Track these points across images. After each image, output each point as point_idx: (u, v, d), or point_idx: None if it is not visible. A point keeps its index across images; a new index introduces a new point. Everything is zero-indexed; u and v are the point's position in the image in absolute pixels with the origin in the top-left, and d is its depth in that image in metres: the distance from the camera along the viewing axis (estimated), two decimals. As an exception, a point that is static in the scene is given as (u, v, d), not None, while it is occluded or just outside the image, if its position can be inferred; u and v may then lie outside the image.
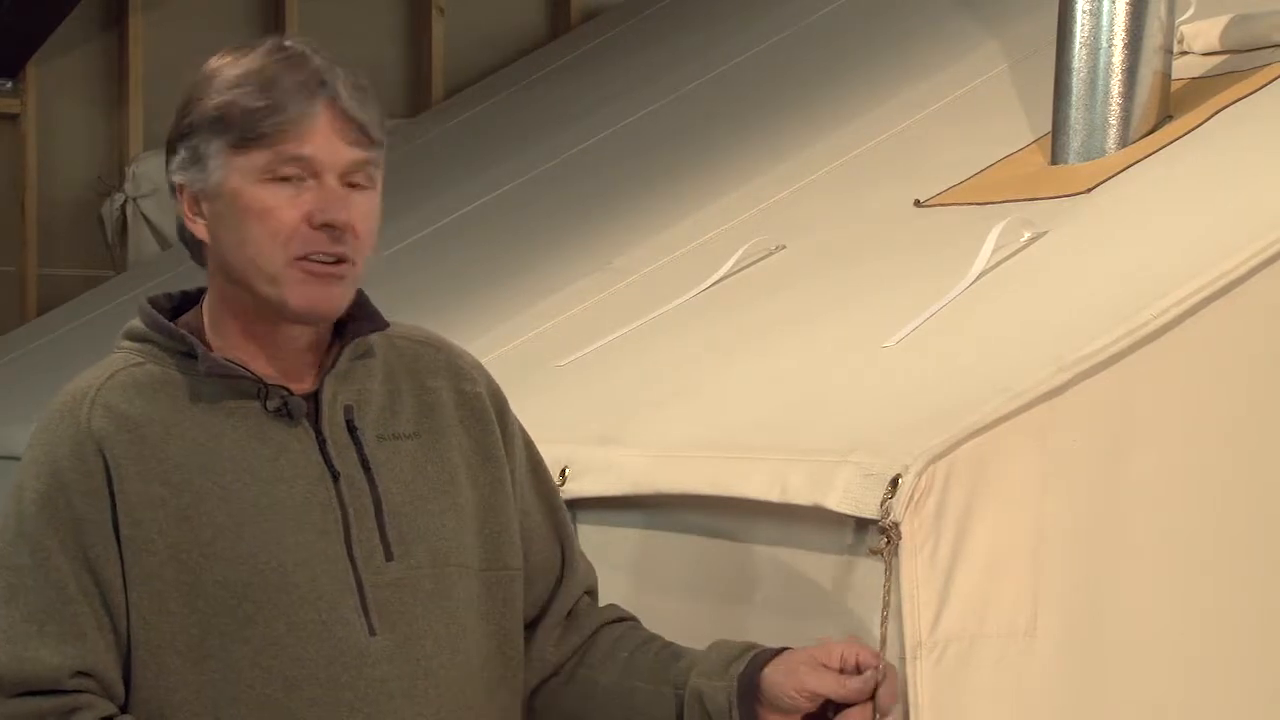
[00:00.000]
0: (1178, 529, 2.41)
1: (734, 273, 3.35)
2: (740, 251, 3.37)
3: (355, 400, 2.19)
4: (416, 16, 7.16)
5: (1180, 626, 2.41)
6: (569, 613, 2.33)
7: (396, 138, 6.33)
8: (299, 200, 2.11)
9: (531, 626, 2.30)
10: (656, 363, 3.12)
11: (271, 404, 2.14)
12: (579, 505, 2.73)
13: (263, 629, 2.08)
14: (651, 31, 6.18)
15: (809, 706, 2.16)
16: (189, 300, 2.23)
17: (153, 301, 2.22)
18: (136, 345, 2.19)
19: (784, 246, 3.39)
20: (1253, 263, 2.48)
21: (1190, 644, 2.41)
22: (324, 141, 2.11)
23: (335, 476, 2.14)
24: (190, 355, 2.15)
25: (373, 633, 2.12)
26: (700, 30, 5.69)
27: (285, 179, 2.10)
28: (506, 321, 3.72)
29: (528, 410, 3.14)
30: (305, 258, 2.11)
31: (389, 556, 2.14)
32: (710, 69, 5.11)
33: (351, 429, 2.17)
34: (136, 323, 2.20)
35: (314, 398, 2.17)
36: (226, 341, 2.17)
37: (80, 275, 6.75)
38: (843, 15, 4.96)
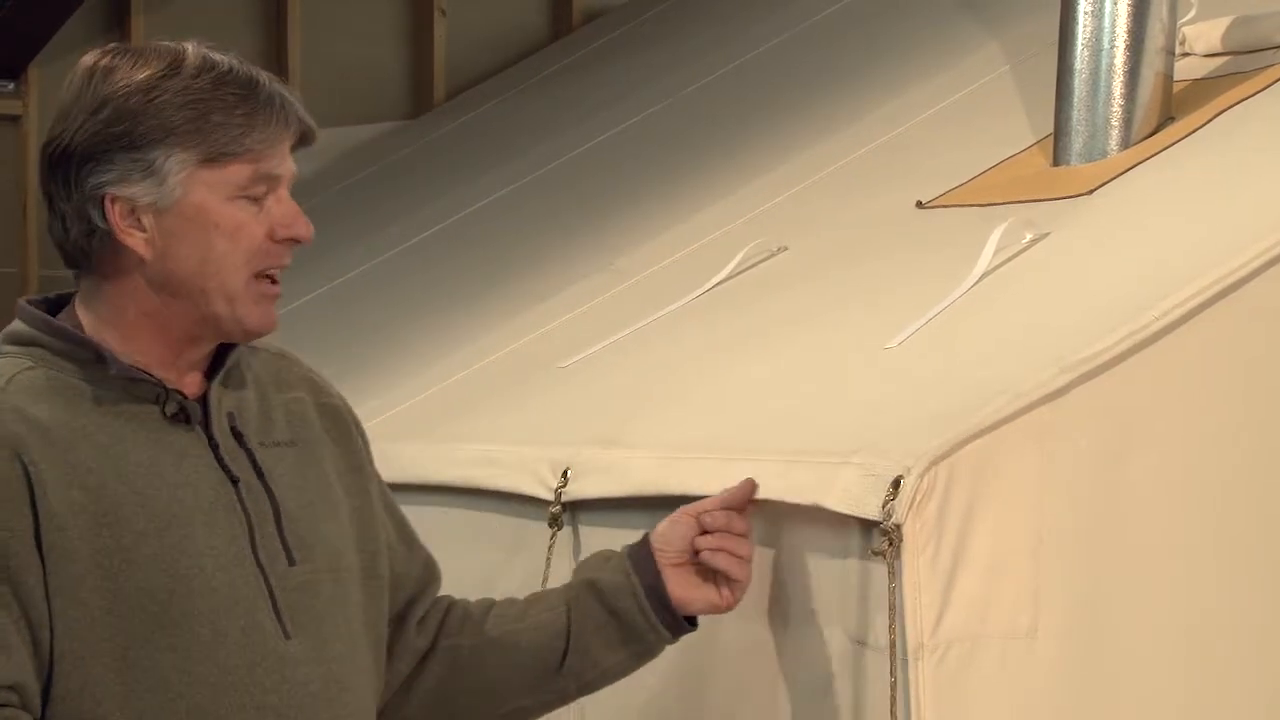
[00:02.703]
0: (1179, 530, 2.41)
1: (736, 274, 3.35)
2: (742, 253, 3.37)
3: (235, 407, 2.18)
4: (418, 17, 7.15)
5: (1181, 627, 2.41)
6: (428, 610, 2.37)
7: (398, 140, 6.33)
8: (261, 216, 2.11)
9: (396, 622, 2.32)
10: (658, 364, 3.12)
11: (170, 408, 2.12)
12: (581, 506, 2.73)
13: (187, 635, 2.06)
14: (653, 33, 6.18)
15: (696, 528, 2.32)
16: (54, 304, 2.19)
17: (34, 304, 2.17)
18: (23, 349, 2.13)
19: (786, 248, 3.39)
20: (1255, 264, 2.48)
21: (1191, 644, 2.42)
22: (288, 157, 2.13)
23: (235, 481, 2.13)
24: (89, 360, 2.11)
25: (288, 637, 2.11)
26: (702, 32, 5.69)
27: (254, 198, 2.11)
28: (509, 323, 3.72)
29: (530, 412, 3.16)
30: (262, 274, 2.12)
31: (291, 561, 2.14)
32: (712, 71, 5.11)
33: (238, 435, 2.16)
34: (20, 326, 2.15)
35: (201, 403, 2.16)
36: (128, 346, 2.13)
37: (81, 276, 6.75)
38: (845, 17, 4.96)
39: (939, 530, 2.23)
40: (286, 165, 2.13)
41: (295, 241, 2.13)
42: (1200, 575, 2.43)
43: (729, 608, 2.34)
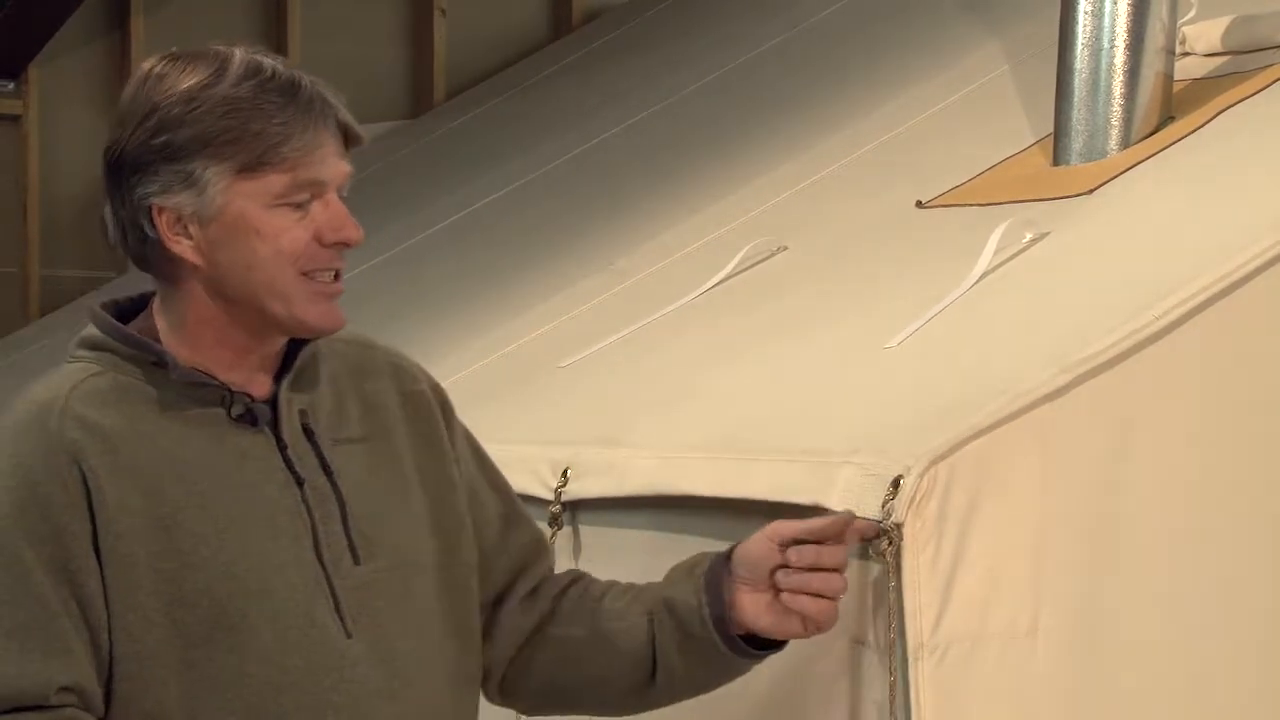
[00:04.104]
0: (1178, 530, 2.41)
1: (736, 274, 3.35)
2: (742, 253, 3.37)
3: (308, 405, 2.18)
4: (418, 17, 7.16)
5: (1181, 627, 2.41)
6: (535, 586, 2.34)
7: (398, 139, 6.33)
8: (305, 221, 2.11)
9: (498, 603, 2.31)
10: (659, 364, 3.12)
11: (236, 410, 2.13)
12: (581, 506, 2.73)
13: (246, 637, 2.07)
14: (654, 33, 6.18)
15: (778, 556, 2.17)
16: (135, 305, 2.21)
17: (105, 308, 2.19)
18: (94, 354, 2.15)
19: (786, 248, 3.39)
20: (1254, 264, 2.48)
21: (1191, 644, 2.42)
22: (332, 162, 2.12)
23: (300, 482, 2.14)
24: (153, 364, 2.13)
25: (349, 636, 2.12)
26: (703, 32, 5.69)
27: (297, 204, 2.10)
28: (509, 323, 3.73)
29: (530, 411, 3.16)
30: (308, 273, 2.12)
31: (356, 560, 2.14)
32: (712, 70, 5.11)
33: (308, 434, 2.16)
34: (93, 331, 2.17)
35: (271, 404, 2.16)
36: (193, 351, 2.14)
37: (82, 276, 6.75)
38: (845, 17, 4.96)
39: (939, 530, 2.23)
40: (330, 169, 2.11)
41: (346, 245, 2.13)
42: (1200, 575, 2.42)
43: (811, 636, 2.21)
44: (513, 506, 2.35)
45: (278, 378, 2.17)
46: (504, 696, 2.34)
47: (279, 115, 2.09)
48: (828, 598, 2.17)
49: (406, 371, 2.30)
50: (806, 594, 2.17)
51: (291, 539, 2.12)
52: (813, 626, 2.19)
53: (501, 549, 2.31)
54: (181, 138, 2.09)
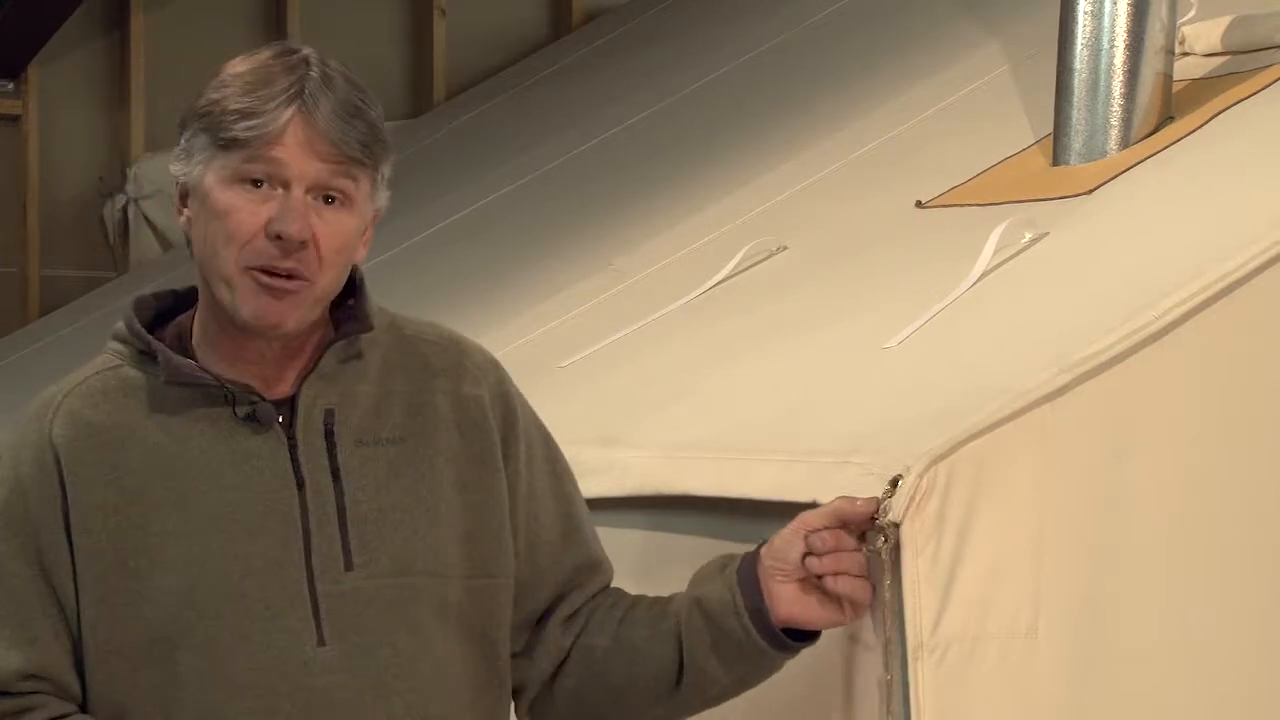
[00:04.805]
0: (1179, 530, 2.41)
1: (736, 274, 3.36)
2: (742, 252, 3.38)
3: (338, 403, 2.15)
4: (418, 17, 7.17)
5: (1182, 627, 2.41)
6: (579, 607, 2.30)
7: (397, 139, 6.34)
8: (262, 208, 2.08)
9: (541, 621, 2.27)
10: (659, 364, 3.13)
11: (241, 410, 2.12)
12: (581, 506, 2.73)
13: (207, 637, 2.07)
14: (654, 32, 6.19)
15: (804, 544, 2.17)
16: (192, 296, 2.20)
17: (140, 301, 2.19)
18: (118, 347, 2.17)
19: (785, 247, 3.39)
20: (1254, 264, 2.48)
21: (1192, 644, 2.42)
22: (295, 152, 2.07)
23: (300, 484, 2.12)
24: (154, 360, 2.13)
25: (322, 643, 2.09)
26: (702, 31, 5.70)
27: (255, 183, 2.08)
28: (509, 322, 3.73)
29: (530, 411, 3.14)
30: (257, 268, 2.08)
31: (349, 566, 2.11)
32: (712, 70, 5.12)
33: (328, 434, 2.14)
34: (121, 324, 2.18)
35: (293, 401, 2.14)
36: (210, 342, 2.14)
37: (82, 276, 6.76)
38: (845, 17, 4.97)
39: (939, 530, 2.23)
40: (294, 158, 2.07)
41: (281, 239, 2.07)
42: (1200, 575, 2.43)
43: (851, 620, 2.22)
44: (574, 525, 2.30)
45: (308, 375, 2.15)
46: (532, 717, 2.31)
47: (251, 95, 2.08)
48: (860, 576, 2.18)
49: (469, 373, 2.24)
50: (842, 575, 2.17)
51: (276, 541, 2.10)
52: (851, 610, 2.19)
53: (552, 568, 2.27)
54: (187, 113, 2.13)
